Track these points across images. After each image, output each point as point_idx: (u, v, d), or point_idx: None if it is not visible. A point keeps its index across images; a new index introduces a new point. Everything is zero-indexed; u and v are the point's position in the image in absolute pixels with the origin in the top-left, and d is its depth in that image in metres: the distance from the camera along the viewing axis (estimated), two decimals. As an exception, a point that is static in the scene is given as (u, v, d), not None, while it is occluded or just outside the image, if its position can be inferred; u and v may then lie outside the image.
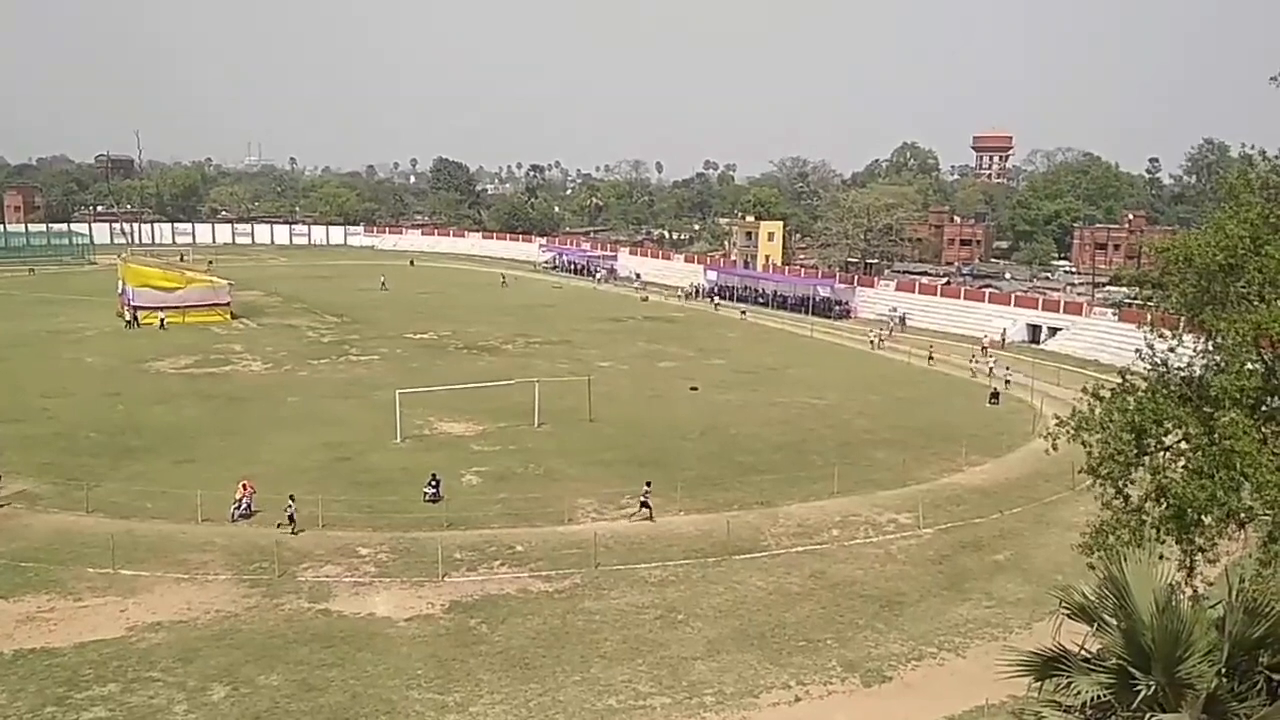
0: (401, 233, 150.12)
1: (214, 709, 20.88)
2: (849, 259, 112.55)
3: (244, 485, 32.64)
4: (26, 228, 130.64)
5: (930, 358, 64.84)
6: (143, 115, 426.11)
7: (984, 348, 68.55)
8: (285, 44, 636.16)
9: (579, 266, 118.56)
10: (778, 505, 35.04)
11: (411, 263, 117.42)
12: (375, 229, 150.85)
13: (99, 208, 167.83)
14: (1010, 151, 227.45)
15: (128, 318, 70.09)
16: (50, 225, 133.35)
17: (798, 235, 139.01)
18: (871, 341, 71.51)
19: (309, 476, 35.86)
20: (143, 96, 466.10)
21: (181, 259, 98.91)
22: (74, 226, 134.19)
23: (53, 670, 22.26)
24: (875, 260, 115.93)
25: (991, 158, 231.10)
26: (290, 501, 31.34)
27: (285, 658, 23.20)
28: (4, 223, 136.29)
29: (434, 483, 34.29)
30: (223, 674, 22.29)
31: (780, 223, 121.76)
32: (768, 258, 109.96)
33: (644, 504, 33.29)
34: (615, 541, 31.07)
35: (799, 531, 32.69)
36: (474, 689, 22.11)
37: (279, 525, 31.07)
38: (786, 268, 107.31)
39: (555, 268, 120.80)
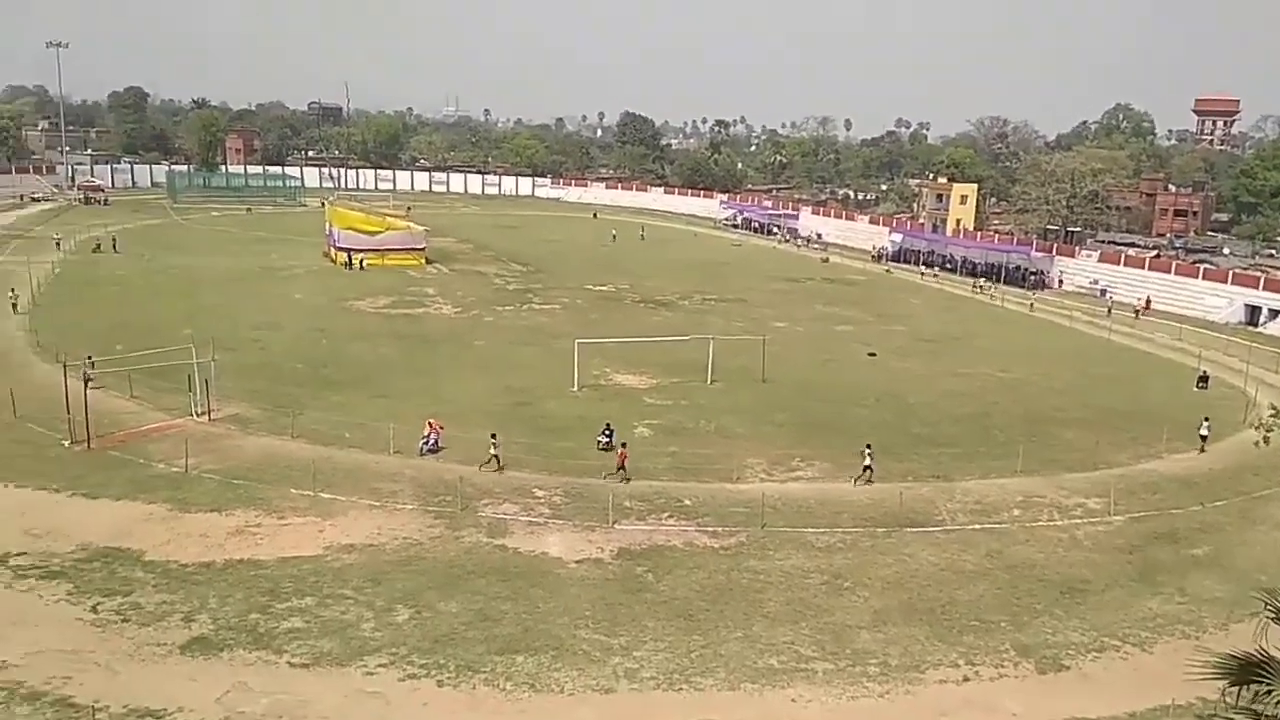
0: (586, 185, 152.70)
1: (398, 629, 22.26)
2: (1048, 226, 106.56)
3: (430, 423, 34.36)
4: (246, 169, 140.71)
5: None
6: (352, 64, 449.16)
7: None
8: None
9: (759, 225, 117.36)
10: (955, 480, 33.91)
11: (595, 215, 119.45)
12: (561, 181, 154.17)
13: (310, 153, 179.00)
14: (1236, 116, 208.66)
15: (346, 260, 73.85)
16: (266, 168, 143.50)
17: (993, 199, 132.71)
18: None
19: (491, 418, 37.23)
20: (353, 47, 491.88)
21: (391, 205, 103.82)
22: (287, 170, 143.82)
23: (257, 580, 24.27)
24: (1077, 229, 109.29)
25: (1215, 123, 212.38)
26: (493, 440, 32.37)
27: (464, 587, 24.43)
28: (226, 164, 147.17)
29: (608, 432, 35.04)
30: (407, 597, 23.70)
31: (974, 185, 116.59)
32: (959, 221, 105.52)
33: (867, 466, 33.03)
34: (783, 503, 30.93)
35: (976, 509, 31.55)
36: (639, 634, 22.63)
37: (481, 465, 32.12)
38: (979, 233, 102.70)
39: (736, 225, 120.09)
